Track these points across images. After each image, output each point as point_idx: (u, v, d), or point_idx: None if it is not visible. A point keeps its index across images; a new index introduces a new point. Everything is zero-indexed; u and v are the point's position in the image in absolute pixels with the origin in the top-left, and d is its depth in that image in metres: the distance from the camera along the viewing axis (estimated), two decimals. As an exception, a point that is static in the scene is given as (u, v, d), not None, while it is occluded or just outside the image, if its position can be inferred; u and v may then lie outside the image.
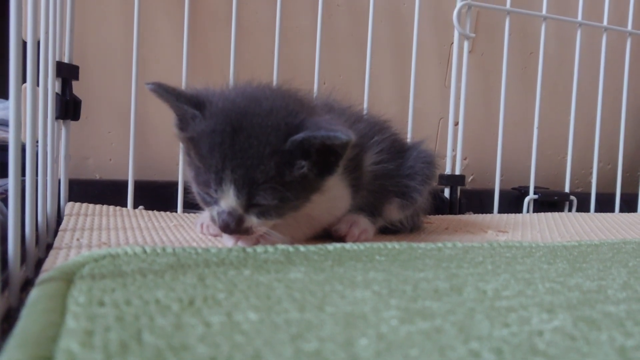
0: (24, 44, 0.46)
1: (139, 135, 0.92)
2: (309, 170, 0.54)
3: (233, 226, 0.54)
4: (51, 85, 0.68)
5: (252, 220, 0.55)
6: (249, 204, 0.54)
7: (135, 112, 0.89)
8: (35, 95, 0.56)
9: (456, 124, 1.11)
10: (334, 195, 0.63)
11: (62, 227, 0.66)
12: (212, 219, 0.56)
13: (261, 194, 0.53)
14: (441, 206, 1.08)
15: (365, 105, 1.01)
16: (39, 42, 0.63)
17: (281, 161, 0.52)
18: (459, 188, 1.10)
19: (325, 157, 0.54)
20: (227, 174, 0.52)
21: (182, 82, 0.91)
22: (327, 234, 0.68)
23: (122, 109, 0.95)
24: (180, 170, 0.90)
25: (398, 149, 0.74)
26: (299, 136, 0.52)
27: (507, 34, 1.13)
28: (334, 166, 0.56)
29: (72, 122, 0.85)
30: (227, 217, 0.54)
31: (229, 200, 0.53)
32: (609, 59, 1.25)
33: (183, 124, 0.56)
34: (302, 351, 0.28)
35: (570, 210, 1.22)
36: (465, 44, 1.10)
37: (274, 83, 0.95)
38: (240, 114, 0.53)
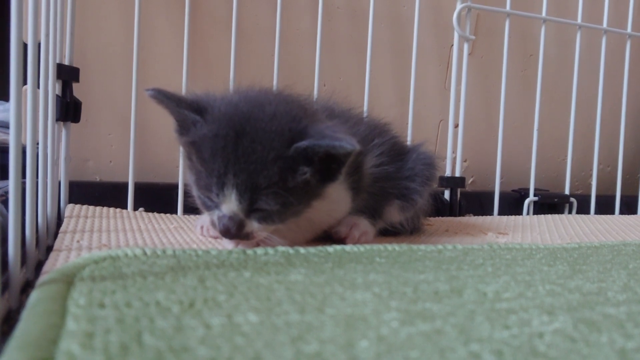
0: (25, 46, 0.46)
1: (139, 138, 0.92)
2: (311, 176, 0.54)
3: (234, 231, 0.54)
4: (52, 87, 0.68)
5: (253, 225, 0.55)
6: (251, 209, 0.53)
7: (136, 114, 0.89)
8: (35, 97, 0.56)
9: (456, 126, 1.11)
10: (335, 199, 0.63)
11: (62, 229, 0.66)
12: (213, 224, 0.56)
13: (263, 199, 0.53)
14: (441, 208, 1.08)
15: (365, 107, 1.01)
16: (39, 44, 0.63)
17: (284, 167, 0.52)
18: (459, 190, 1.10)
19: (327, 164, 0.54)
20: (230, 179, 0.52)
21: (183, 85, 0.91)
22: (328, 236, 0.68)
23: (122, 111, 0.95)
24: (181, 173, 0.90)
25: (398, 152, 0.74)
26: (303, 144, 0.52)
27: (507, 36, 1.14)
28: (336, 173, 0.56)
29: (73, 124, 0.85)
30: (228, 222, 0.53)
31: (230, 204, 0.53)
32: (608, 61, 1.25)
33: (183, 129, 0.56)
34: (302, 353, 0.28)
35: (570, 212, 1.22)
36: (465, 46, 1.10)
37: (275, 86, 0.95)
38: (244, 118, 0.53)
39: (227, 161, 0.52)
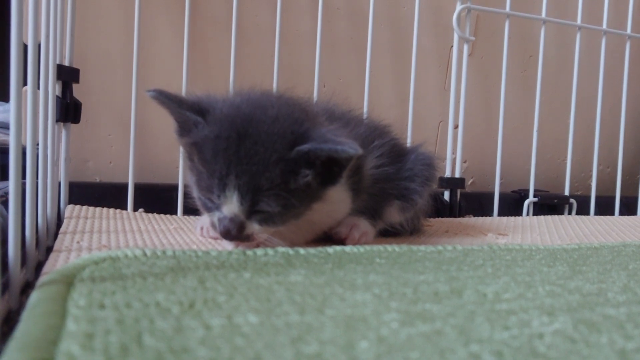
0: (25, 47, 0.46)
1: (139, 138, 0.92)
2: (312, 179, 0.54)
3: (234, 233, 0.54)
4: (52, 88, 0.68)
5: (254, 227, 0.55)
6: (252, 211, 0.53)
7: (136, 115, 0.89)
8: (35, 98, 0.56)
9: (456, 127, 1.11)
10: (335, 200, 0.63)
11: (62, 229, 0.66)
12: (213, 225, 0.56)
13: (265, 201, 0.53)
14: (441, 209, 1.08)
15: (365, 108, 1.01)
16: (39, 45, 0.63)
17: (286, 169, 0.52)
18: (458, 191, 1.10)
19: (328, 168, 0.54)
20: (231, 180, 0.52)
21: (183, 86, 0.91)
22: (327, 237, 0.68)
23: (122, 111, 0.95)
24: (181, 173, 0.90)
25: (398, 153, 0.74)
26: (305, 147, 0.52)
27: (506, 37, 1.14)
28: (338, 176, 0.56)
29: (73, 125, 0.85)
30: (229, 224, 0.53)
31: (231, 206, 0.53)
32: (608, 62, 1.25)
33: (184, 130, 0.56)
34: (302, 354, 0.28)
35: (570, 213, 1.22)
36: (465, 47, 1.10)
37: (275, 87, 0.95)
38: (246, 120, 0.53)
39: (229, 162, 0.52)
